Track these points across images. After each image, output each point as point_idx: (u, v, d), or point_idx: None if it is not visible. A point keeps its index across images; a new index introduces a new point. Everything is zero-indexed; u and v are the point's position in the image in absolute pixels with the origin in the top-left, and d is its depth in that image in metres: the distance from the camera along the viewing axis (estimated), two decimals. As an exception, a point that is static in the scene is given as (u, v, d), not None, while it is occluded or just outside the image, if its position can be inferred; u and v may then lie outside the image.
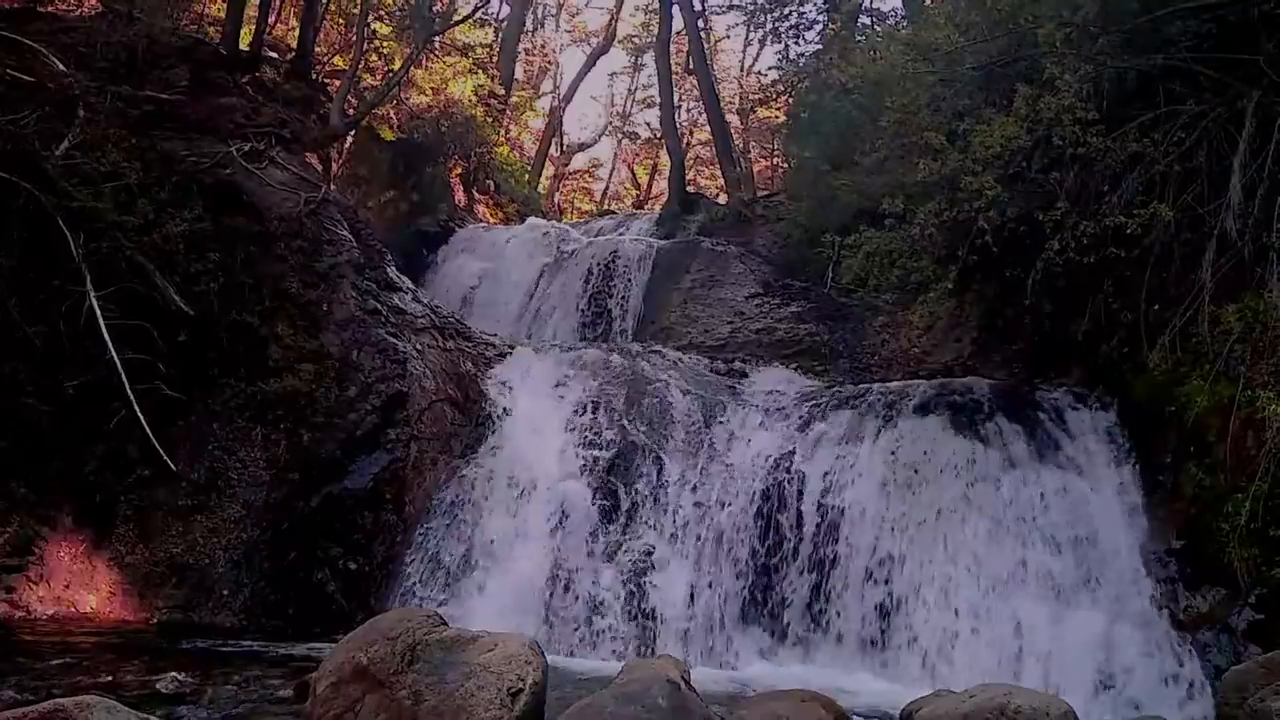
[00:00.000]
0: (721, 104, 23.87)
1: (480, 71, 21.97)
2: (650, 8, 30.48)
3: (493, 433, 10.51)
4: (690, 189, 22.85)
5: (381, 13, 18.59)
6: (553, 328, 15.32)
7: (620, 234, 18.52)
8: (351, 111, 15.84)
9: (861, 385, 11.02)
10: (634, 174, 37.97)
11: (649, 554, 9.29)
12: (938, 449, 9.31)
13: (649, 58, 31.19)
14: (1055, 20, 9.25)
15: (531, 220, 19.59)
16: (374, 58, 18.92)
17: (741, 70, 32.76)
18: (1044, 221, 9.16)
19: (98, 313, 9.06)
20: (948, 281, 10.45)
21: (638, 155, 37.65)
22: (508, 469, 10.06)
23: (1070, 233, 8.93)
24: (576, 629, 8.91)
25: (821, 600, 8.83)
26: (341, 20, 19.27)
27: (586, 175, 37.89)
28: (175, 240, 9.96)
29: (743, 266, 15.40)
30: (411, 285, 12.30)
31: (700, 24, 24.50)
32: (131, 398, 9.08)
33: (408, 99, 19.72)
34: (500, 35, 25.93)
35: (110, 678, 6.61)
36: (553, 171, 32.80)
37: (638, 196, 35.96)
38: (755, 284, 15.01)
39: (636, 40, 33.87)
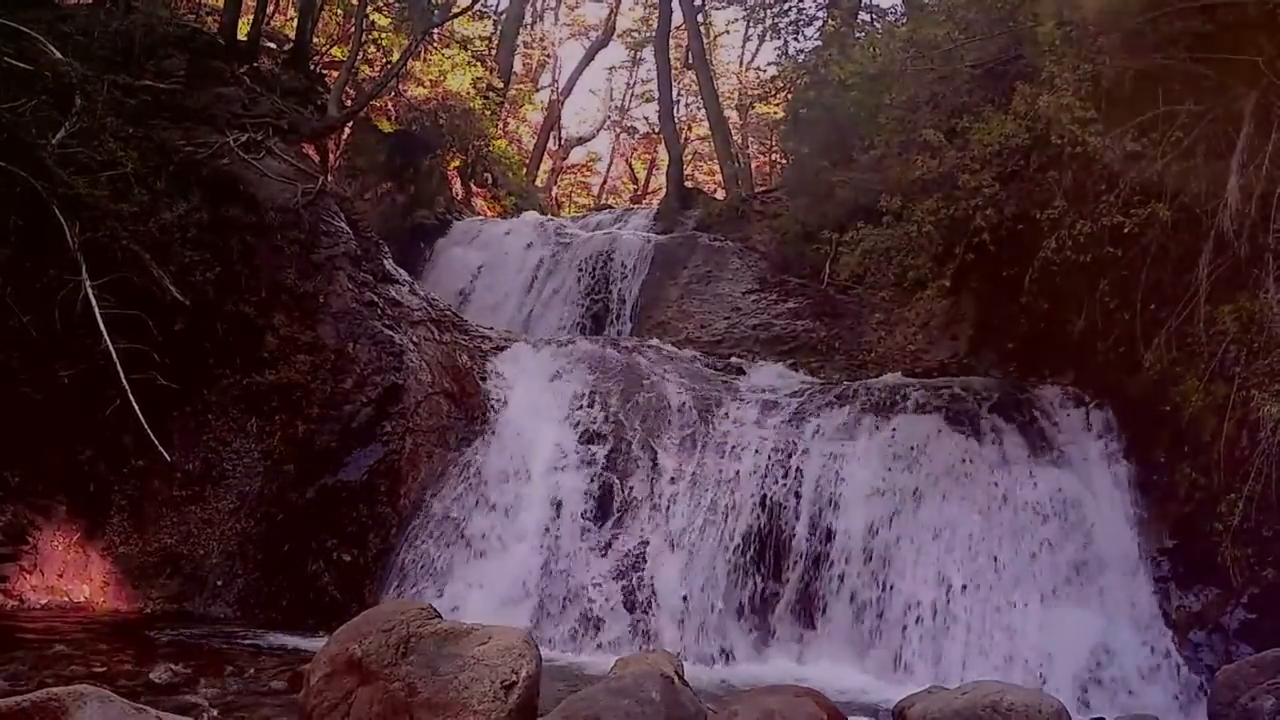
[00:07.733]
0: (720, 99, 23.86)
1: (479, 64, 21.92)
2: (649, 2, 30.43)
3: (488, 426, 10.49)
4: (688, 184, 22.80)
5: (380, 4, 18.53)
6: (549, 322, 15.30)
7: (618, 228, 18.50)
8: (349, 103, 15.76)
9: (857, 382, 11.02)
10: (632, 169, 37.91)
11: (643, 548, 9.30)
12: (932, 446, 9.34)
13: (648, 52, 31.12)
14: (1054, 19, 9.25)
15: (529, 214, 19.52)
16: (372, 49, 18.86)
17: (740, 66, 32.72)
18: (1041, 220, 9.16)
19: (93, 302, 9.03)
20: (944, 279, 10.48)
21: (636, 150, 37.59)
22: (503, 462, 10.05)
23: (1067, 231, 8.93)
24: (570, 622, 8.91)
25: (815, 596, 8.85)
26: (340, 11, 19.21)
27: (584, 169, 37.84)
28: (171, 230, 9.94)
29: (740, 262, 15.40)
30: (408, 277, 12.29)
31: (700, 19, 24.47)
32: (126, 387, 9.04)
33: (406, 91, 19.69)
34: (499, 28, 25.88)
35: (104, 668, 6.61)
36: (550, 165, 32.78)
37: (635, 191, 35.93)
38: (752, 280, 15.01)
39: (636, 34, 33.79)
